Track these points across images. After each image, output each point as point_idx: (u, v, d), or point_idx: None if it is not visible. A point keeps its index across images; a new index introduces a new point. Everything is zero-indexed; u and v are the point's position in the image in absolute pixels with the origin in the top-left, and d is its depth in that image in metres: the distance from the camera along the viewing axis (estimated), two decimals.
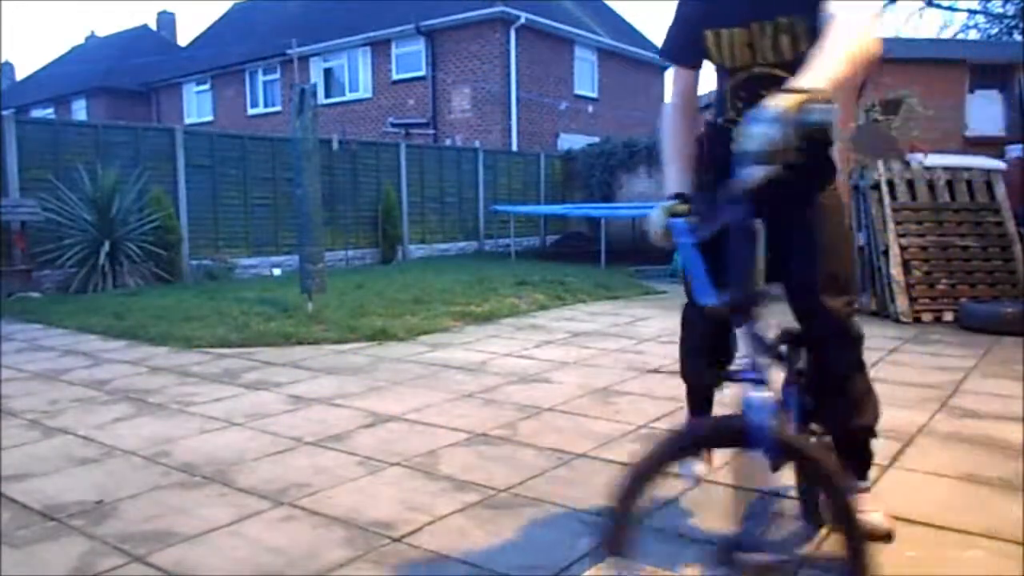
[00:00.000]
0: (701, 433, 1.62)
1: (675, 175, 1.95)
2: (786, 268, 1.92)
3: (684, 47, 1.95)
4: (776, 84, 1.62)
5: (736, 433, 1.48)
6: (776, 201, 1.87)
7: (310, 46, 18.66)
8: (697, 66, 1.99)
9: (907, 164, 7.02)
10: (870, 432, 2.06)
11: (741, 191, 1.53)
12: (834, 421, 2.03)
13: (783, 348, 2.01)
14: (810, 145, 1.83)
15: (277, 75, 20.31)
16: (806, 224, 1.90)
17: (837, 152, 1.94)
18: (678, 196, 1.85)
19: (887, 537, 2.05)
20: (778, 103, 1.34)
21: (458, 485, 2.69)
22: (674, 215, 1.78)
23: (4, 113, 9.54)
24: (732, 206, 1.60)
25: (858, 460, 2.11)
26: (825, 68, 1.44)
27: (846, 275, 1.93)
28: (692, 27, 1.91)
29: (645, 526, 1.56)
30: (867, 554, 1.45)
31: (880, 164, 6.95)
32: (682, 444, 1.55)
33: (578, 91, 19.22)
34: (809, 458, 1.52)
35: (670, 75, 2.08)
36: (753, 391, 1.47)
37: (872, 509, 2.05)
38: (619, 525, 1.45)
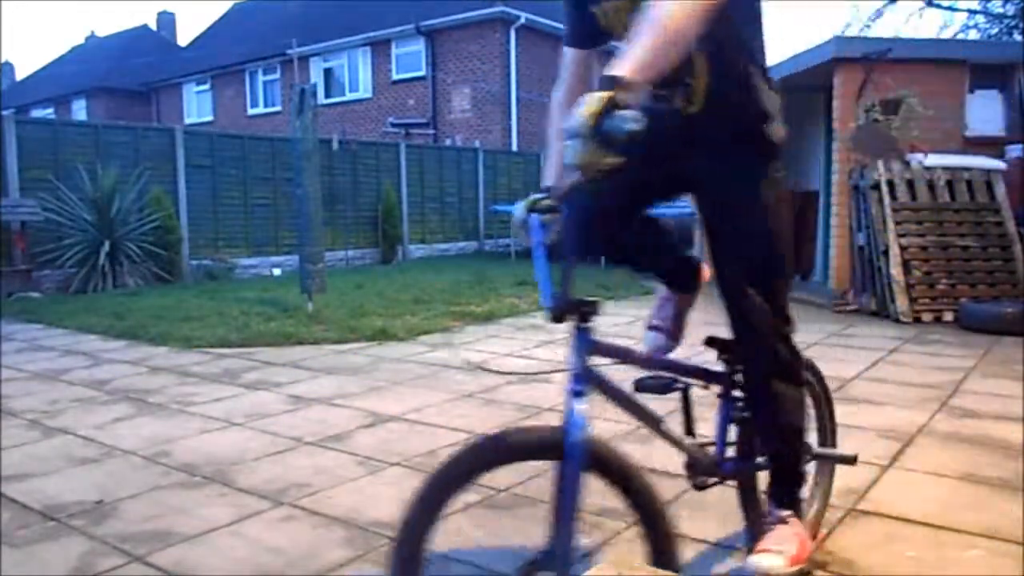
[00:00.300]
0: (507, 445, 1.44)
1: (551, 166, 1.80)
2: (713, 259, 1.79)
3: (573, 28, 1.82)
4: None
5: (548, 446, 1.41)
6: (707, 185, 1.76)
7: (310, 46, 18.65)
8: (587, 47, 1.84)
9: (907, 164, 7.02)
10: (796, 436, 1.81)
11: (566, 195, 1.51)
12: (758, 425, 1.85)
13: (720, 359, 1.90)
14: (738, 121, 1.69)
15: (277, 75, 20.30)
16: (734, 212, 1.73)
17: (778, 129, 1.73)
18: (548, 190, 1.72)
19: None
20: (580, 113, 1.24)
21: None
22: (533, 210, 1.68)
23: (4, 113, 9.56)
24: (562, 209, 1.56)
25: (783, 479, 1.83)
26: (636, 47, 1.33)
27: (774, 268, 1.74)
28: (579, 7, 1.76)
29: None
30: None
31: (880, 164, 6.95)
32: (486, 458, 1.42)
33: None
34: (622, 472, 1.45)
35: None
36: (574, 403, 1.41)
37: (776, 549, 1.69)
38: (411, 557, 1.32)
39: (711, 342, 1.90)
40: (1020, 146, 7.12)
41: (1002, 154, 7.19)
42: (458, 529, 2.34)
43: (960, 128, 7.41)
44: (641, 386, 1.77)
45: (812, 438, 2.19)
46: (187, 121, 21.67)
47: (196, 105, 22.78)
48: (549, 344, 5.44)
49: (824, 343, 5.50)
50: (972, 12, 17.85)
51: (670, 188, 1.88)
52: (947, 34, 17.55)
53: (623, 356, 1.71)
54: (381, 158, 12.82)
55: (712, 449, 1.90)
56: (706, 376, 1.90)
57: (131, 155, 9.69)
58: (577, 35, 1.83)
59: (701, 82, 1.65)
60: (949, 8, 17.53)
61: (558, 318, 1.47)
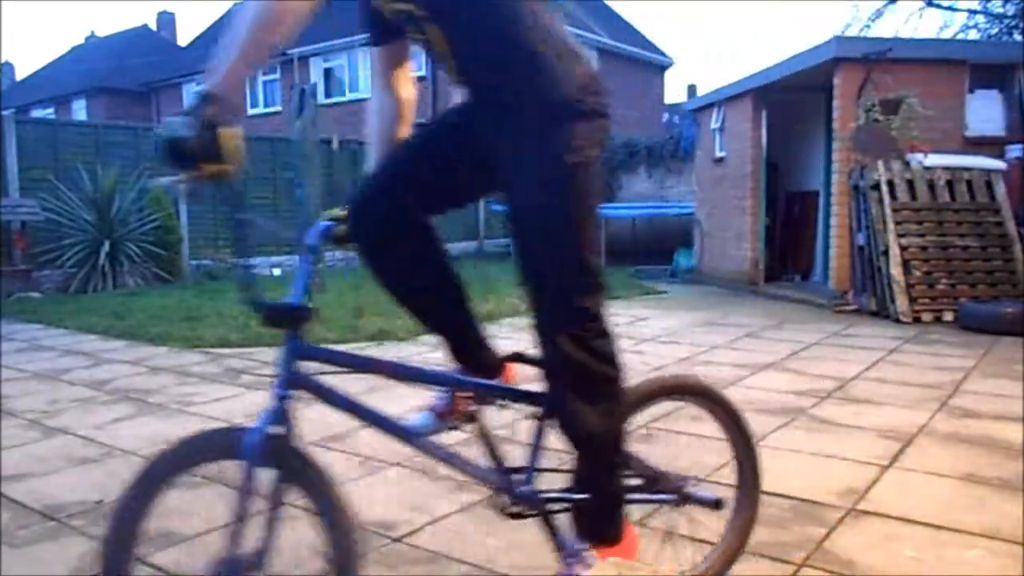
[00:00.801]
0: (191, 449, 1.43)
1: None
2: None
3: (369, 25, 1.67)
4: (414, 22, 1.52)
5: (228, 447, 1.41)
6: (496, 161, 1.56)
7: (310, 46, 18.66)
8: (384, 43, 1.68)
9: (907, 164, 7.02)
10: (600, 455, 1.59)
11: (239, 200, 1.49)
12: (561, 427, 1.59)
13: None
14: (509, 87, 1.49)
15: (277, 75, 20.31)
16: (519, 189, 1.51)
17: (567, 90, 1.46)
18: None
19: None
20: (156, 133, 1.25)
21: (458, 485, 2.69)
22: (332, 218, 1.65)
23: (4, 113, 9.56)
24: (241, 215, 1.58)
25: (587, 506, 1.61)
26: (223, 54, 1.30)
27: (567, 256, 1.48)
28: (363, 3, 1.62)
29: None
30: None
31: (880, 164, 6.95)
32: (172, 465, 1.40)
33: None
34: (308, 476, 1.43)
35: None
36: (268, 406, 1.41)
37: None
38: (118, 569, 1.30)
39: (517, 358, 1.73)
40: (1020, 146, 7.12)
41: (1002, 154, 7.19)
42: (459, 529, 2.34)
43: (960, 128, 7.41)
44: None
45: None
46: None
47: None
48: None
49: (824, 343, 5.50)
50: (972, 12, 17.82)
51: (476, 178, 1.65)
52: (947, 34, 17.52)
53: (353, 364, 1.64)
54: None
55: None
56: (509, 395, 1.71)
57: (131, 155, 9.70)
58: (374, 32, 1.67)
59: (444, 49, 1.52)
60: (949, 8, 17.51)
61: (271, 323, 1.48)
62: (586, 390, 1.52)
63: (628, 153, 14.91)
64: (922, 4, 17.58)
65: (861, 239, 7.04)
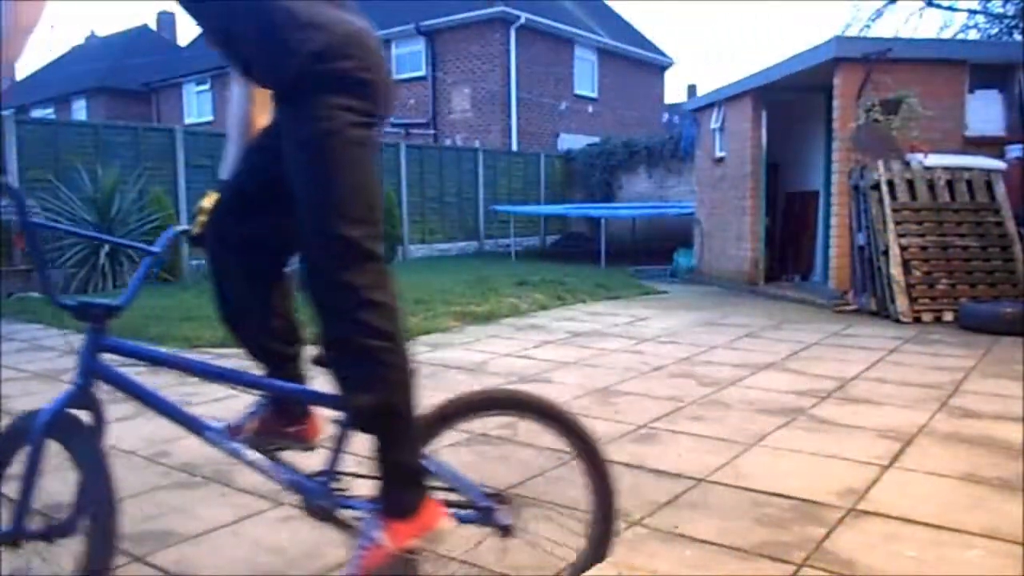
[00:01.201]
0: (6, 437, 1.62)
1: (231, 163, 1.74)
2: None
3: None
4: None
5: (29, 427, 1.54)
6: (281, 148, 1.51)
7: None
8: None
9: (907, 164, 7.02)
10: (382, 415, 1.53)
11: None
12: (346, 405, 1.58)
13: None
14: (261, 62, 1.47)
15: None
16: (288, 165, 1.47)
17: (311, 62, 1.40)
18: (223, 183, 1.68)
19: None
20: None
21: None
22: (200, 212, 1.70)
23: (4, 113, 9.55)
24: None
25: (381, 477, 1.59)
26: None
27: (331, 237, 1.44)
28: None
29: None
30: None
31: (880, 164, 6.95)
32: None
33: (578, 91, 19.21)
34: (85, 456, 1.53)
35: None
36: (66, 389, 1.53)
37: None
38: None
39: (318, 362, 1.64)
40: (1020, 146, 7.12)
41: (1002, 154, 7.20)
42: (456, 528, 2.33)
43: (960, 128, 7.41)
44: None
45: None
46: (187, 121, 21.68)
47: (196, 105, 22.79)
48: (549, 344, 5.44)
49: (824, 343, 5.50)
50: (972, 12, 17.83)
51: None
52: (947, 34, 17.53)
53: (153, 359, 1.74)
54: (381, 158, 12.83)
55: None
56: (303, 396, 1.75)
57: (131, 155, 9.70)
58: None
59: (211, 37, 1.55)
60: (949, 8, 17.52)
61: (76, 318, 1.61)
62: (358, 364, 1.48)
63: (628, 153, 14.94)
64: (922, 4, 17.60)
65: (861, 239, 7.04)
